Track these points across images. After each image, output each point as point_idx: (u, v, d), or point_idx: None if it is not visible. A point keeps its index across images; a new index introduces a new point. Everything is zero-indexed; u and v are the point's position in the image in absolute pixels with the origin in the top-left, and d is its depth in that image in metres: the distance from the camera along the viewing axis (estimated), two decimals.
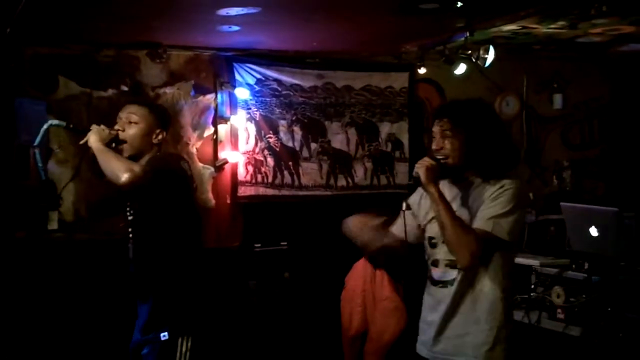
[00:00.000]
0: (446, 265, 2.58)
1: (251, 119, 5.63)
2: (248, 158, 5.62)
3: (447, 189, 2.59)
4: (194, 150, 5.40)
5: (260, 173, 5.66)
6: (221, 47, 5.41)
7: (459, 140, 2.54)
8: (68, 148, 4.84)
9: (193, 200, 3.19)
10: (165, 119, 3.15)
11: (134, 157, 2.99)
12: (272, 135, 5.69)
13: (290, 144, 5.76)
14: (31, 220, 4.87)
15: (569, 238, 4.15)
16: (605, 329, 3.66)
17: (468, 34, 4.63)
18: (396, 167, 6.06)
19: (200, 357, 3.00)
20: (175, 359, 2.93)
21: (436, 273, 2.61)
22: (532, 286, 4.19)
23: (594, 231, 3.82)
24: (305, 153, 5.80)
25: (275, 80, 5.69)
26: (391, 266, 5.06)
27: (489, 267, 2.52)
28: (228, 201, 5.60)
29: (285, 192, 5.73)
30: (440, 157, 2.56)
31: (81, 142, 2.98)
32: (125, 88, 5.19)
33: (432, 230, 2.62)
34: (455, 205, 2.54)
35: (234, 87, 5.51)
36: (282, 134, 5.72)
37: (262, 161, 5.67)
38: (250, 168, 5.63)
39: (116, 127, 3.04)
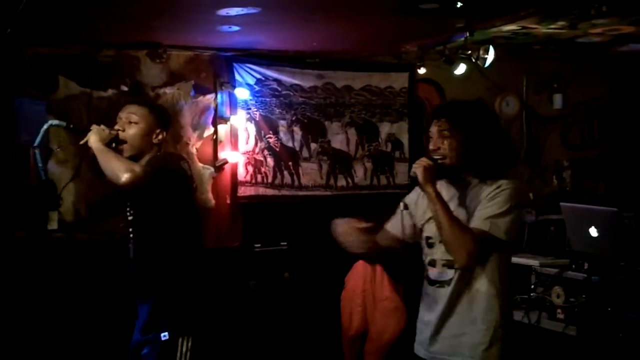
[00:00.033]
0: (443, 265, 2.58)
1: (251, 119, 5.63)
2: (248, 158, 5.62)
3: (445, 189, 2.60)
4: (193, 150, 5.40)
5: (260, 173, 5.66)
6: (221, 47, 5.41)
7: (456, 141, 2.55)
8: (68, 148, 4.84)
9: (193, 200, 3.19)
10: (165, 119, 3.15)
11: (134, 157, 2.99)
12: (272, 136, 5.69)
13: (290, 144, 5.76)
14: (31, 220, 4.87)
15: (569, 238, 4.15)
16: (605, 329, 3.66)
17: (468, 34, 4.63)
18: (396, 167, 6.06)
19: (200, 357, 3.00)
20: (175, 359, 2.93)
21: (433, 273, 2.62)
22: (532, 286, 4.19)
23: (593, 231, 3.82)
24: (305, 153, 5.80)
25: (275, 80, 5.69)
26: (391, 266, 5.06)
27: (486, 267, 2.53)
28: (228, 201, 5.60)
29: (285, 192, 5.73)
30: (438, 157, 2.56)
31: (81, 142, 2.98)
32: (125, 88, 5.19)
33: (430, 230, 2.62)
34: (452, 205, 2.54)
35: (234, 87, 5.51)
36: (282, 134, 5.72)
37: (262, 161, 5.67)
38: (250, 168, 5.63)
39: (116, 127, 3.04)
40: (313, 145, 5.83)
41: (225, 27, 4.59)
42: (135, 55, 5.27)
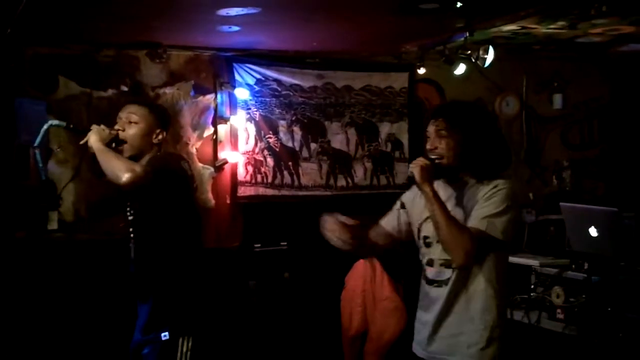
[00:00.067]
0: (441, 265, 2.58)
1: (251, 119, 5.63)
2: (248, 158, 5.63)
3: (442, 189, 2.60)
4: (193, 150, 5.40)
5: (260, 173, 5.67)
6: (221, 47, 5.41)
7: (453, 141, 2.56)
8: (68, 148, 4.84)
9: (193, 200, 3.19)
10: (165, 119, 3.15)
11: (134, 157, 2.99)
12: (271, 136, 5.69)
13: (290, 144, 5.76)
14: (31, 220, 4.87)
15: (569, 238, 4.15)
16: (605, 329, 3.66)
17: (468, 34, 4.63)
18: (396, 167, 6.06)
19: (200, 357, 3.00)
20: (176, 359, 2.93)
21: (431, 272, 2.62)
22: (532, 286, 4.19)
23: (593, 231, 3.82)
24: (305, 153, 5.81)
25: (275, 80, 5.70)
26: (391, 266, 5.06)
27: (483, 266, 2.53)
28: (228, 201, 5.60)
29: (285, 192, 5.73)
30: (435, 156, 2.57)
31: (81, 142, 2.98)
32: (125, 88, 5.19)
33: (427, 229, 2.62)
34: (449, 205, 2.55)
35: (234, 87, 5.51)
36: (281, 134, 5.72)
37: (261, 161, 5.67)
38: (250, 168, 5.63)
39: (116, 127, 3.04)
40: (313, 145, 5.83)
41: (225, 27, 4.59)
42: (135, 55, 5.27)
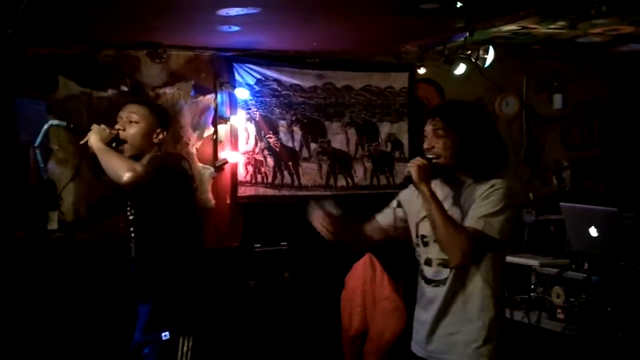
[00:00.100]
0: (439, 265, 2.59)
1: (251, 119, 5.63)
2: (248, 158, 5.63)
3: (439, 189, 2.61)
4: (193, 150, 5.40)
5: (260, 173, 5.67)
6: (221, 47, 5.41)
7: (450, 140, 2.56)
8: (68, 148, 4.84)
9: (194, 200, 3.19)
10: (165, 118, 3.15)
11: (134, 157, 2.98)
12: (272, 136, 5.69)
13: (290, 144, 5.76)
14: (31, 220, 4.87)
15: (569, 238, 4.15)
16: (605, 329, 3.66)
17: (468, 34, 4.63)
18: (396, 167, 6.06)
19: (201, 356, 3.00)
20: (176, 358, 2.93)
21: (429, 272, 2.62)
22: (532, 286, 4.19)
23: (593, 231, 3.82)
24: (305, 153, 5.81)
25: (275, 80, 5.70)
26: (391, 266, 5.07)
27: (480, 266, 2.54)
28: (228, 201, 5.60)
29: (285, 192, 5.73)
30: (432, 156, 2.58)
31: (82, 142, 2.98)
32: (125, 88, 5.19)
33: (425, 228, 2.63)
34: (446, 205, 2.55)
35: (234, 87, 5.51)
36: (282, 134, 5.72)
37: (262, 161, 5.67)
38: (250, 168, 5.63)
39: (117, 126, 3.04)
40: (313, 145, 5.83)
41: (225, 27, 4.59)
42: (135, 55, 5.27)
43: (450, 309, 2.57)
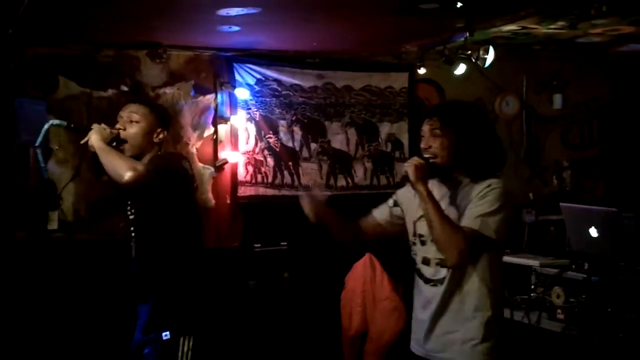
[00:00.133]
0: (437, 264, 2.59)
1: (251, 119, 5.63)
2: (248, 158, 5.63)
3: (436, 188, 2.62)
4: (194, 150, 5.40)
5: (260, 173, 5.67)
6: (221, 47, 5.41)
7: (448, 140, 2.56)
8: (68, 148, 4.84)
9: (194, 200, 3.19)
10: (166, 118, 3.15)
11: (135, 157, 2.97)
12: (272, 136, 5.69)
13: (290, 144, 5.76)
14: (31, 220, 4.87)
15: (569, 238, 4.15)
16: (605, 329, 3.66)
17: (468, 34, 4.63)
18: (396, 167, 6.06)
19: (201, 356, 3.00)
20: (177, 358, 2.93)
21: (428, 271, 2.63)
22: (532, 286, 4.19)
23: (593, 231, 3.82)
24: (305, 153, 5.81)
25: (275, 80, 5.70)
26: (390, 266, 5.07)
27: (477, 265, 2.54)
28: (228, 201, 5.60)
29: (285, 192, 5.73)
30: (428, 155, 2.58)
31: (82, 141, 2.98)
32: (125, 88, 5.19)
33: (422, 227, 2.63)
34: (443, 204, 2.56)
35: (234, 87, 5.51)
36: (282, 134, 5.72)
37: (262, 161, 5.67)
38: (250, 168, 5.63)
39: (117, 126, 3.04)
40: (313, 145, 5.83)
41: (225, 27, 4.59)
42: (135, 55, 5.27)
43: (448, 308, 2.57)
